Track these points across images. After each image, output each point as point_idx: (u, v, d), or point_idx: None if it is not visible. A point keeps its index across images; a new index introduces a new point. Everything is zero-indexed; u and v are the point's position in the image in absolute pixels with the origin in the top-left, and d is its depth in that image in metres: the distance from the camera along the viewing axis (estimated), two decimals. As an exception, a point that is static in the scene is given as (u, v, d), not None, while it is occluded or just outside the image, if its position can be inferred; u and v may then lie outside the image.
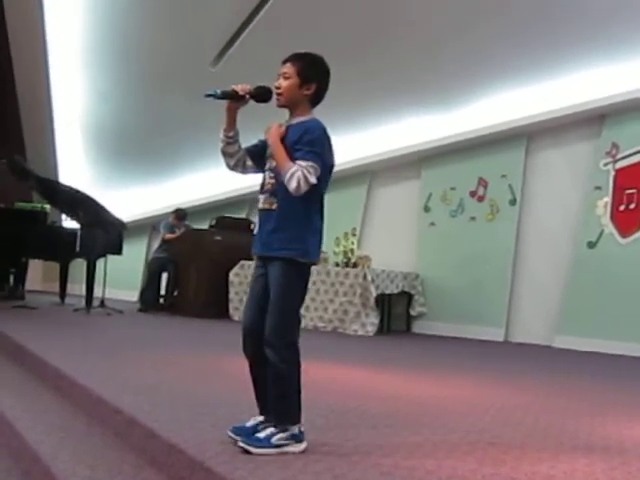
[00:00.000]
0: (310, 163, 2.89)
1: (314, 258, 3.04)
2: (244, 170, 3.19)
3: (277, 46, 8.88)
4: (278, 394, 2.95)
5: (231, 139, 3.12)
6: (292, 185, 2.88)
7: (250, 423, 3.03)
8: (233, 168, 3.18)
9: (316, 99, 3.08)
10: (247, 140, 3.19)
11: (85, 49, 11.37)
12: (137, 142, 12.79)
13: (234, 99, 3.07)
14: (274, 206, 3.00)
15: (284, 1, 9.37)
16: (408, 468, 2.72)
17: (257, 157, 3.15)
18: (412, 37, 9.38)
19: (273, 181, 3.02)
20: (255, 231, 3.16)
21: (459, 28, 8.98)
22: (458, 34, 9.06)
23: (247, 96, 3.06)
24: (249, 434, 2.94)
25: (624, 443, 3.49)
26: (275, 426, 2.92)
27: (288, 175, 2.88)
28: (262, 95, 3.08)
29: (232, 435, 2.98)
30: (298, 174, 2.87)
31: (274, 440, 2.88)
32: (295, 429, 2.93)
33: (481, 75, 9.47)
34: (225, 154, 3.15)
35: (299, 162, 2.89)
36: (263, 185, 3.09)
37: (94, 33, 11.08)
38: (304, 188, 2.89)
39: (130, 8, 10.46)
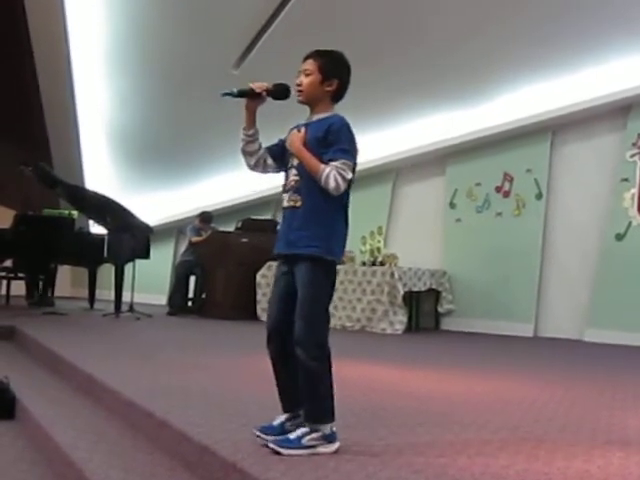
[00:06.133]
0: (342, 160, 2.88)
1: (339, 256, 3.01)
2: (265, 169, 3.17)
3: (298, 47, 8.87)
4: (310, 394, 2.91)
5: (251, 137, 3.10)
6: (331, 185, 2.87)
7: (277, 422, 3.03)
8: (254, 167, 3.16)
9: (337, 95, 3.05)
10: (269, 140, 3.18)
11: (107, 56, 11.44)
12: (161, 146, 12.86)
13: (251, 97, 3.04)
14: (299, 203, 2.97)
15: (304, 2, 9.38)
16: (440, 465, 2.71)
17: (278, 156, 3.13)
18: (433, 34, 9.35)
19: (297, 178, 3.00)
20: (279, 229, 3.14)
21: (481, 23, 8.94)
22: (480, 29, 9.01)
23: (264, 93, 3.03)
24: (278, 434, 2.93)
25: (659, 436, 3.45)
26: (306, 426, 2.89)
27: (324, 176, 2.87)
28: (280, 92, 3.05)
29: (259, 434, 2.96)
30: (333, 173, 2.86)
31: (305, 441, 2.85)
32: (327, 429, 2.88)
33: (504, 69, 9.42)
34: (245, 153, 3.13)
35: (331, 162, 2.88)
36: (286, 184, 3.07)
37: (116, 40, 11.16)
38: (343, 185, 2.89)
39: (151, 14, 10.52)
